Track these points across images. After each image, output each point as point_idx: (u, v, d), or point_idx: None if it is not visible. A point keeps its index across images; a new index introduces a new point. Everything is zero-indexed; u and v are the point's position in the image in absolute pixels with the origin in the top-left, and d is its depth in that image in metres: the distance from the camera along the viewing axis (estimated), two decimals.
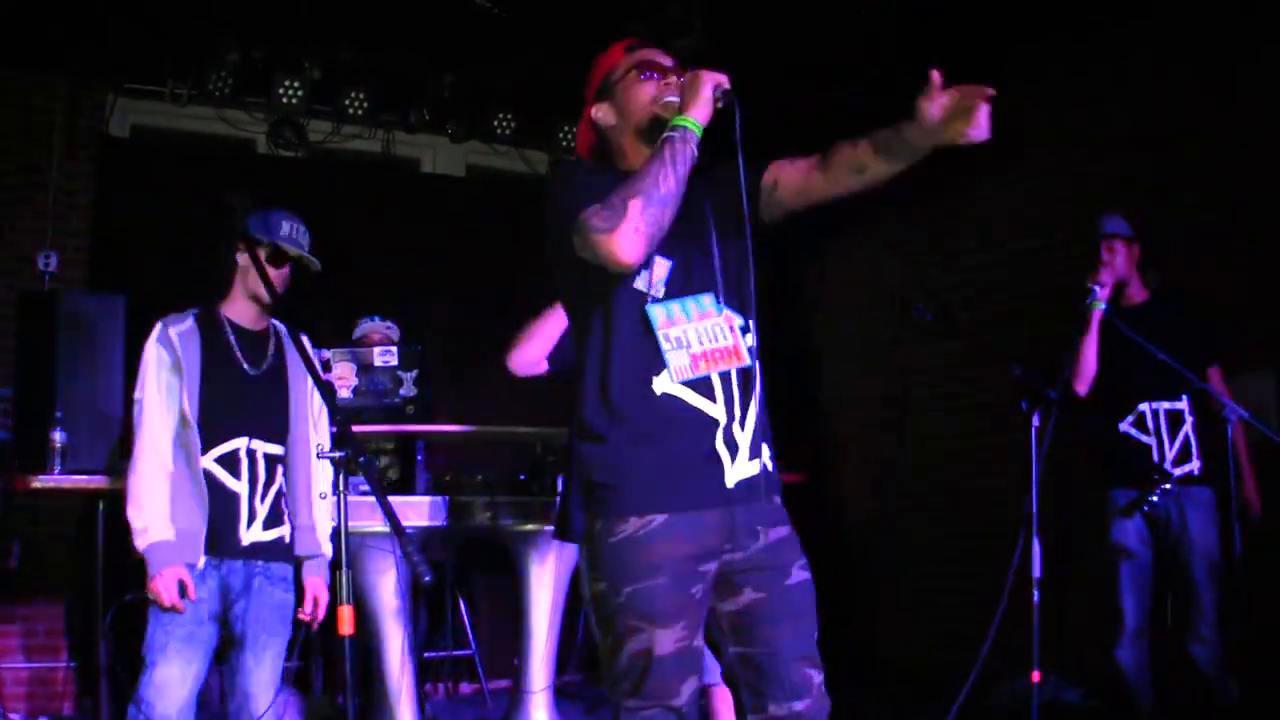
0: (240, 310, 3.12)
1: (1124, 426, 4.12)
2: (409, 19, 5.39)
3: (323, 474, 3.18)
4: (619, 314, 2.14)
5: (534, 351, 3.49)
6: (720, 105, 2.11)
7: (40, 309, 4.67)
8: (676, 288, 2.15)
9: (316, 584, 3.14)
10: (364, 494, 3.21)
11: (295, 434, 3.13)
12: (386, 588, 4.17)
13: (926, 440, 6.50)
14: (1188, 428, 4.09)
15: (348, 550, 2.48)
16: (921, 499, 6.49)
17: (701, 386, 2.11)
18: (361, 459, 2.53)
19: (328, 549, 3.17)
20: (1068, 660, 4.99)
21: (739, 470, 2.12)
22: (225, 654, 3.02)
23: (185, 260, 5.10)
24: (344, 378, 4.49)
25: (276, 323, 3.20)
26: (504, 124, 6.31)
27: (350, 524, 2.51)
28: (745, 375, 2.16)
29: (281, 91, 5.73)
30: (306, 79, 5.75)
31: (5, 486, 4.51)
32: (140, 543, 2.88)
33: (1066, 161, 5.55)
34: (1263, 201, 4.81)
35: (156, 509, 2.89)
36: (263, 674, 3.01)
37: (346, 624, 2.39)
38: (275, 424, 3.10)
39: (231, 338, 3.06)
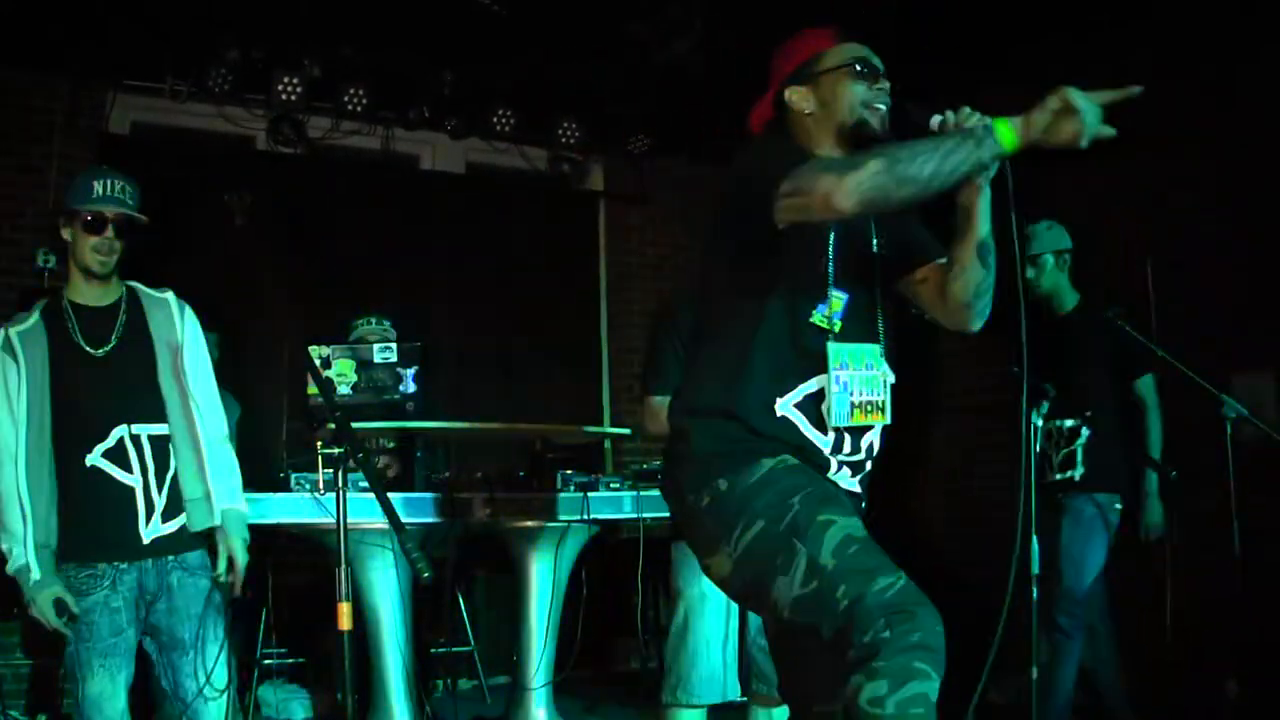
0: (79, 289, 2.88)
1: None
2: (408, 16, 5.39)
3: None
4: (789, 337, 2.08)
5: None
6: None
7: None
8: (851, 329, 2.11)
9: (230, 545, 2.88)
10: (363, 490, 3.21)
11: (170, 407, 2.88)
12: (385, 584, 4.18)
13: (926, 440, 6.50)
14: (1080, 441, 4.15)
15: (347, 547, 2.49)
16: (921, 499, 6.49)
17: (815, 418, 2.09)
18: (360, 456, 2.53)
19: (237, 503, 2.92)
20: None
21: (841, 480, 2.13)
22: (165, 661, 2.87)
23: (184, 257, 5.12)
24: (343, 375, 4.49)
25: (140, 287, 2.98)
26: (503, 121, 6.31)
27: (349, 520, 2.51)
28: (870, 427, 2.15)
29: (281, 88, 5.73)
30: (306, 76, 5.75)
31: None
32: (9, 568, 2.72)
33: (1066, 162, 5.54)
34: (1263, 201, 4.81)
35: (17, 530, 2.71)
36: (203, 668, 2.84)
37: (345, 620, 2.40)
38: (148, 402, 2.86)
39: (71, 323, 2.84)
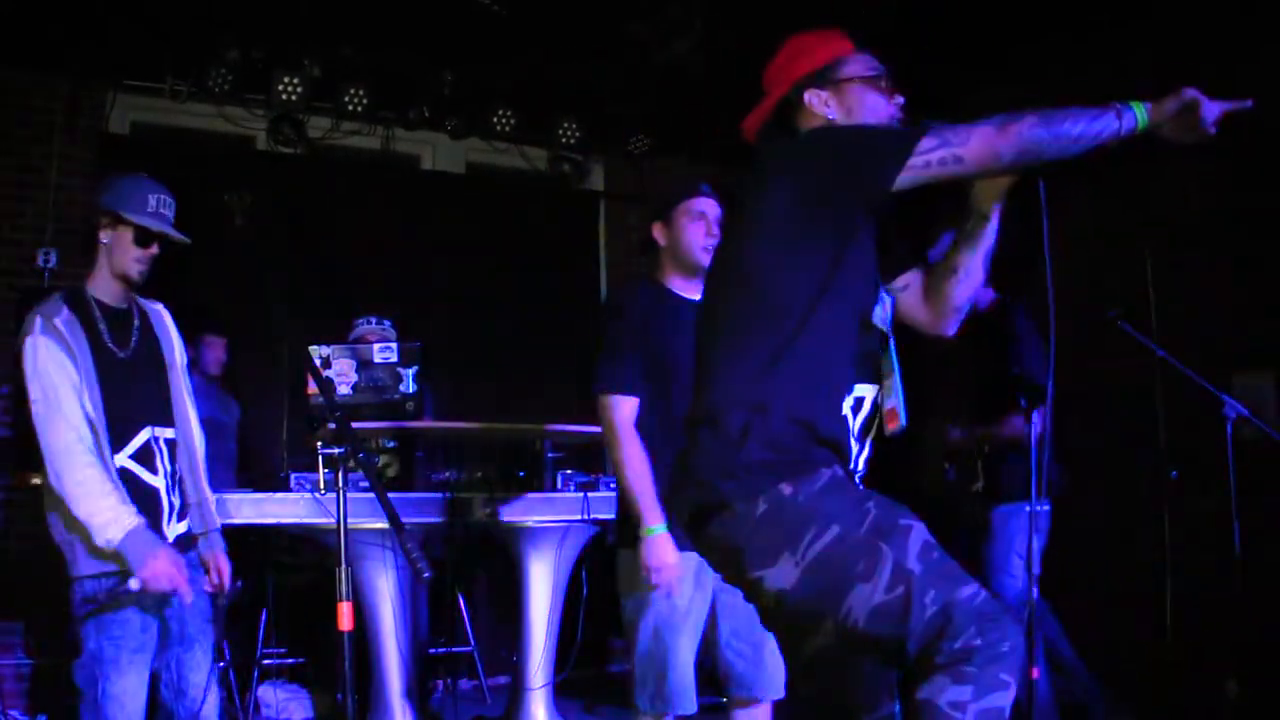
0: (105, 288, 2.89)
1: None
2: (408, 16, 5.39)
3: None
4: (855, 336, 2.03)
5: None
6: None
7: None
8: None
9: (218, 556, 2.99)
10: (363, 490, 3.20)
11: (178, 412, 2.97)
12: (386, 584, 4.18)
13: (924, 440, 6.49)
14: (980, 454, 4.19)
15: (347, 547, 2.49)
16: (922, 499, 6.48)
17: (851, 427, 2.06)
18: (360, 455, 2.53)
19: (217, 520, 3.05)
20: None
21: None
22: (167, 654, 2.88)
23: (184, 257, 5.12)
24: (343, 374, 4.49)
25: (139, 298, 3.01)
26: (504, 121, 6.31)
27: (350, 521, 2.51)
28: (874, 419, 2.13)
29: (281, 88, 5.73)
30: (306, 76, 5.74)
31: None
32: (114, 534, 2.65)
33: (1066, 162, 5.53)
34: (1263, 202, 4.81)
35: (113, 496, 2.68)
36: (206, 663, 2.90)
37: (345, 620, 2.40)
38: (164, 406, 2.94)
39: (99, 321, 2.85)
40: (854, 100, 2.09)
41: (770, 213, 1.98)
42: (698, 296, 2.46)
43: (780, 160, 2.02)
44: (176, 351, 3.02)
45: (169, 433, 2.93)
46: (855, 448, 2.06)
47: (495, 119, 6.29)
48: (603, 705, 5.39)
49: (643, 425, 2.95)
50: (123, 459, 2.79)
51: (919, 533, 1.86)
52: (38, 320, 2.74)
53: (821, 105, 2.10)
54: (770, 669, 2.99)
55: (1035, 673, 3.79)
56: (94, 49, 5.39)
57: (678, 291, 3.02)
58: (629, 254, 7.14)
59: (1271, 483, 4.06)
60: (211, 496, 3.05)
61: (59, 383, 2.70)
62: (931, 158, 1.87)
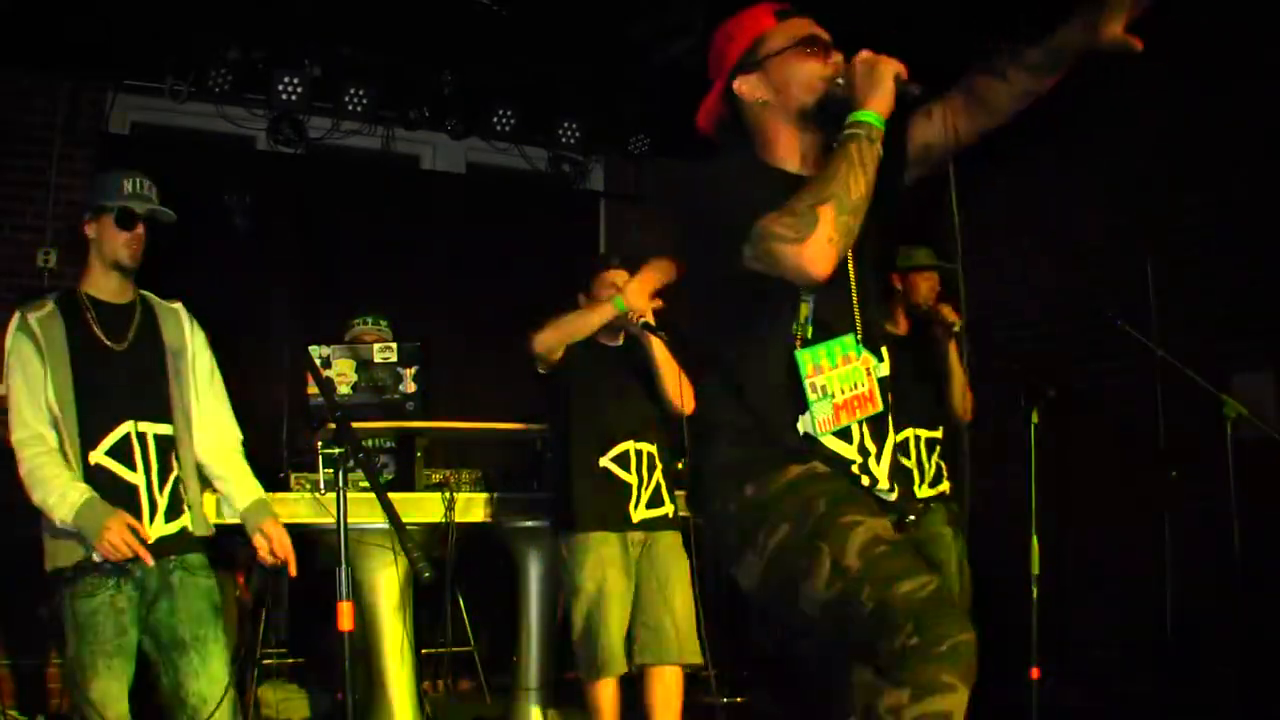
0: (100, 284, 2.91)
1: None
2: (408, 16, 5.39)
3: (221, 446, 3.03)
4: (769, 354, 2.00)
5: (559, 343, 3.80)
6: (904, 96, 1.92)
7: None
8: (821, 328, 2.01)
9: (264, 524, 2.92)
10: (364, 490, 3.21)
11: (176, 410, 2.93)
12: (386, 584, 4.18)
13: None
14: (937, 453, 4.20)
15: (347, 547, 2.49)
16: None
17: (840, 432, 2.01)
18: (360, 455, 2.53)
19: (258, 494, 2.98)
20: (1068, 659, 4.99)
21: (881, 493, 2.05)
22: (165, 660, 2.83)
23: (184, 257, 5.11)
24: (343, 374, 4.49)
25: (152, 296, 3.03)
26: (504, 120, 6.31)
27: (350, 520, 2.51)
28: (879, 417, 2.05)
29: (281, 88, 5.73)
30: (306, 76, 5.75)
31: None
32: (65, 514, 2.66)
33: (1067, 162, 5.55)
34: (1262, 201, 4.81)
35: (63, 479, 2.69)
36: (211, 670, 2.83)
37: (345, 620, 2.40)
38: (156, 401, 2.89)
39: (90, 315, 2.86)
40: (780, 76, 2.04)
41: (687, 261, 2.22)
42: (618, 343, 3.89)
43: (680, 206, 2.14)
44: (189, 348, 2.99)
45: (161, 428, 2.88)
46: (853, 447, 2.01)
47: (495, 119, 6.28)
48: None
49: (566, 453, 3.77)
50: (98, 455, 2.77)
51: (868, 529, 1.85)
52: (15, 317, 2.80)
53: (752, 91, 2.07)
54: (673, 638, 3.62)
55: (1035, 673, 3.78)
56: (94, 49, 5.38)
57: (602, 341, 3.89)
58: (628, 254, 7.13)
59: (1271, 483, 4.05)
60: (240, 477, 3.00)
61: (17, 380, 2.76)
62: (762, 267, 1.91)
